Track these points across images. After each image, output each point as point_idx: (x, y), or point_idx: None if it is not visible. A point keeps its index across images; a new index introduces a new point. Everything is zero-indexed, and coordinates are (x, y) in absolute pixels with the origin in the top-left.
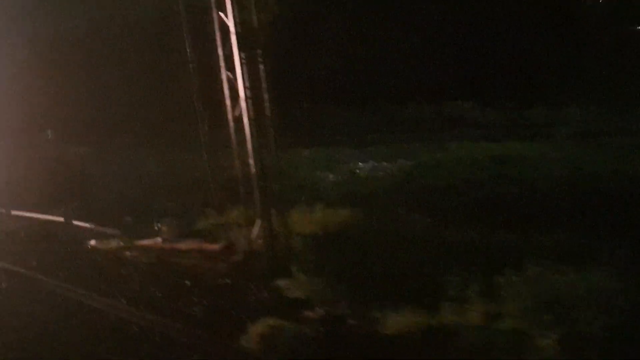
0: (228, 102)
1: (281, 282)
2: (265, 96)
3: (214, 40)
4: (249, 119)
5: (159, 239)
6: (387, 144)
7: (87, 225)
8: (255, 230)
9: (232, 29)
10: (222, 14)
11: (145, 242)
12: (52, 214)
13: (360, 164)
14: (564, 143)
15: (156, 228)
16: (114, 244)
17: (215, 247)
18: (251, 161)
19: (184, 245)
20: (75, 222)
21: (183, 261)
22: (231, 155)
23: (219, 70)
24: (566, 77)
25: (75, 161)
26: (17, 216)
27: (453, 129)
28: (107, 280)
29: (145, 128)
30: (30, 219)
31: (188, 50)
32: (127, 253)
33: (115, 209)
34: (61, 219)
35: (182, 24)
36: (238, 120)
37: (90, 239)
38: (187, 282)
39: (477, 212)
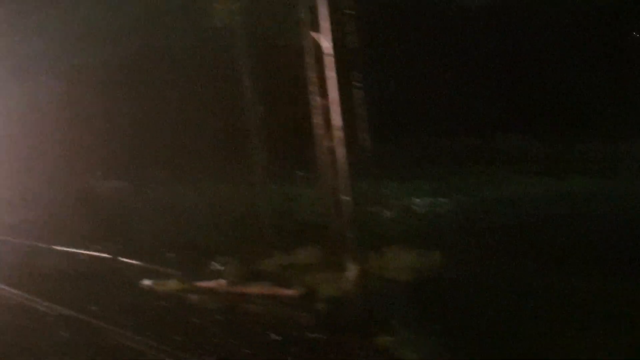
0: (318, 130)
1: (385, 339)
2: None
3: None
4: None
5: (222, 281)
6: (435, 178)
7: (136, 262)
8: (348, 274)
9: (326, 50)
10: (314, 34)
11: (208, 284)
12: (94, 250)
13: (415, 199)
14: (634, 179)
15: (215, 267)
16: (171, 285)
17: (291, 292)
18: (345, 196)
19: (253, 289)
20: (123, 259)
21: (256, 308)
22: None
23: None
24: (623, 109)
25: (111, 195)
26: (60, 251)
27: (506, 163)
28: (180, 331)
29: (182, 160)
30: (75, 254)
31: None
32: (190, 296)
33: (159, 244)
34: (108, 255)
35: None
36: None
37: (142, 278)
38: (274, 336)
39: (574, 255)
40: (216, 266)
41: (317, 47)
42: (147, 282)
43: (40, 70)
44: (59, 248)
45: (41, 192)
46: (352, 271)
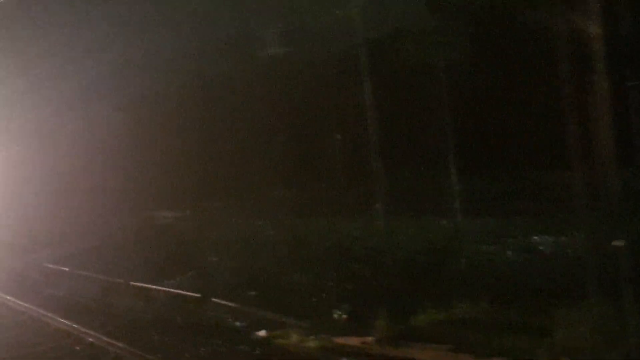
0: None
1: None
2: None
3: None
4: None
5: (369, 339)
6: (534, 214)
7: (232, 304)
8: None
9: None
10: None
11: (349, 340)
12: (171, 285)
13: (535, 237)
14: None
15: (338, 316)
16: (294, 337)
17: None
18: None
19: (419, 353)
20: (216, 300)
21: None
22: None
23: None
24: None
25: (173, 226)
26: (140, 289)
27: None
28: None
29: (252, 192)
30: (158, 292)
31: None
32: (331, 356)
33: (237, 282)
34: (196, 295)
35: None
36: None
37: (249, 325)
38: None
39: None
40: (340, 314)
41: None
42: (262, 334)
43: (101, 103)
44: (138, 285)
45: (103, 223)
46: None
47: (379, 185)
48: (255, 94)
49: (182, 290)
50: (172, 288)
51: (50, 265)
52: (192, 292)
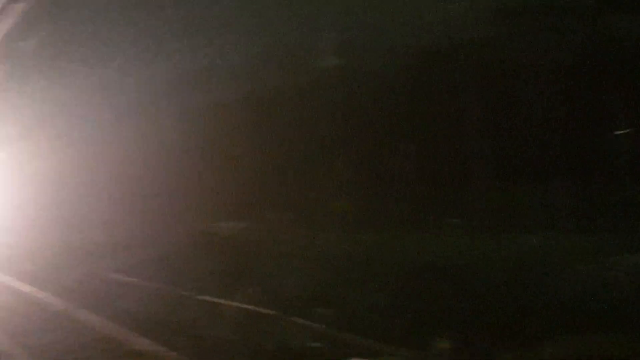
0: None
1: None
2: None
3: None
4: None
5: None
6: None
7: (315, 324)
8: None
9: None
10: None
11: None
12: (239, 300)
13: (627, 256)
14: None
15: (444, 346)
16: None
17: None
18: None
19: None
20: (296, 319)
21: None
22: None
23: None
24: None
25: (235, 237)
26: (210, 303)
27: None
28: None
29: (306, 201)
30: (228, 308)
31: None
32: None
33: (307, 298)
34: (271, 312)
35: None
36: None
37: (343, 353)
38: None
39: None
40: (442, 343)
41: None
42: None
43: (159, 111)
44: (207, 299)
45: (164, 232)
46: None
47: (456, 197)
48: (321, 102)
49: (252, 305)
50: (241, 303)
51: (115, 276)
52: (262, 307)
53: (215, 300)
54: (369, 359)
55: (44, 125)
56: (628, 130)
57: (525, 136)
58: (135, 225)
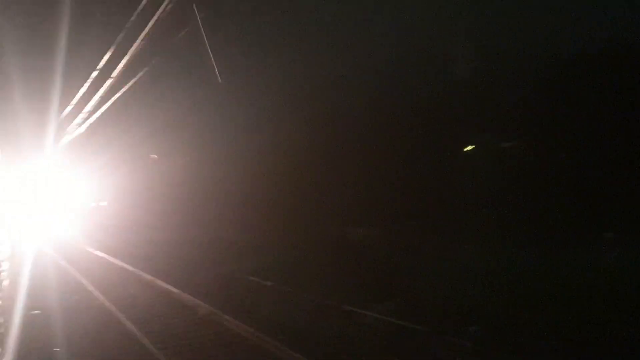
0: None
1: None
2: None
3: None
4: None
5: None
6: None
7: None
8: None
9: None
10: None
11: None
12: (378, 311)
13: None
14: None
15: None
16: None
17: None
18: None
19: None
20: (454, 340)
21: None
22: None
23: None
24: None
25: (367, 244)
26: (356, 314)
27: None
28: None
29: (441, 209)
30: (377, 320)
31: None
32: None
33: (452, 313)
34: (421, 328)
35: None
36: None
37: None
38: None
39: None
40: None
41: None
42: None
43: (291, 116)
44: (352, 309)
45: (294, 236)
46: None
47: (612, 208)
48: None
49: (395, 318)
50: (385, 315)
51: (252, 278)
52: (409, 322)
53: (360, 311)
54: None
55: (202, 136)
56: None
57: None
58: (271, 228)
